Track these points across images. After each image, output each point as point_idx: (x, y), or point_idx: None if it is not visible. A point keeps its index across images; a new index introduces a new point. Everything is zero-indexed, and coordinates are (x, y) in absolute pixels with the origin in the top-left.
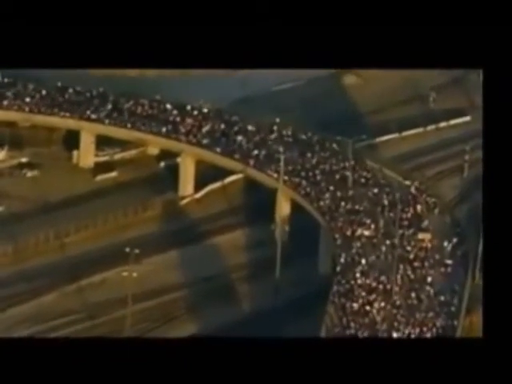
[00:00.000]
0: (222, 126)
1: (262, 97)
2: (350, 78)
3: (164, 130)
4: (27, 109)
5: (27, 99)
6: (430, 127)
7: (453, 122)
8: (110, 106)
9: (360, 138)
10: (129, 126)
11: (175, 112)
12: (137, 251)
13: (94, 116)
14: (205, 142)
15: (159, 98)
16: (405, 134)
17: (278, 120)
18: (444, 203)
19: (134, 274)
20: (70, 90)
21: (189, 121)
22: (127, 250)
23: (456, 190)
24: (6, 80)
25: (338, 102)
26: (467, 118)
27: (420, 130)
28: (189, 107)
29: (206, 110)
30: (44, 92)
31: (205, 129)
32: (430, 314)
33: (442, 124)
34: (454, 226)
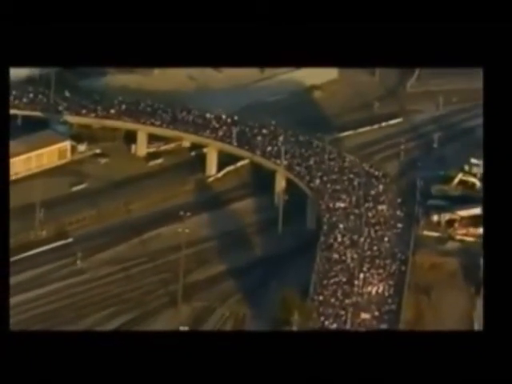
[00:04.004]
0: (247, 130)
1: (259, 105)
2: (318, 93)
3: (207, 132)
4: (107, 115)
5: (112, 111)
6: (375, 126)
7: (391, 122)
8: (170, 115)
9: (331, 134)
10: (171, 127)
11: (214, 120)
12: (188, 214)
13: (157, 122)
14: (233, 141)
15: (202, 110)
16: (358, 131)
17: (273, 122)
18: (390, 178)
19: (186, 230)
20: (142, 104)
21: (223, 126)
22: (181, 213)
23: (396, 170)
24: (96, 97)
25: (311, 109)
26: (400, 120)
27: (368, 128)
28: (224, 116)
29: (236, 118)
30: (124, 106)
31: (234, 131)
32: (388, 261)
33: (383, 124)
34: (399, 194)
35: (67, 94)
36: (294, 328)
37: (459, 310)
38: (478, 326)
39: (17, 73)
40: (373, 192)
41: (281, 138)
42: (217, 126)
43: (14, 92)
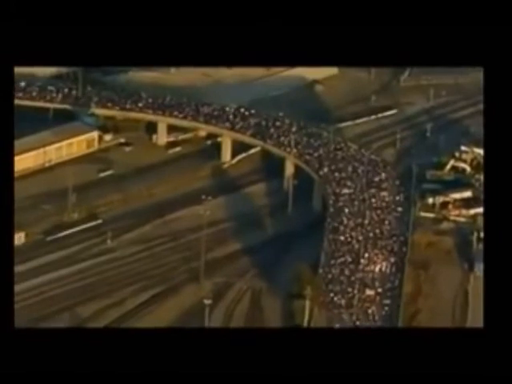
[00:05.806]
0: (263, 122)
1: (265, 99)
2: (319, 87)
3: (227, 124)
4: (131, 108)
5: (140, 104)
6: (372, 117)
7: (386, 113)
8: (192, 108)
9: (332, 125)
10: (189, 118)
11: (232, 114)
12: (210, 198)
13: (180, 115)
14: (250, 132)
15: (222, 104)
16: (357, 121)
17: (281, 114)
18: (389, 164)
19: (207, 212)
20: (168, 98)
21: (239, 119)
22: (203, 196)
23: (393, 157)
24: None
25: (312, 102)
26: (395, 111)
27: (365, 119)
28: (242, 109)
29: (253, 111)
30: (150, 100)
31: (252, 123)
32: (389, 242)
33: (380, 115)
34: (397, 178)
35: (89, 88)
36: (307, 302)
37: (454, 283)
38: (472, 297)
39: (48, 70)
40: (375, 179)
41: (293, 129)
42: (234, 118)
43: (49, 87)
